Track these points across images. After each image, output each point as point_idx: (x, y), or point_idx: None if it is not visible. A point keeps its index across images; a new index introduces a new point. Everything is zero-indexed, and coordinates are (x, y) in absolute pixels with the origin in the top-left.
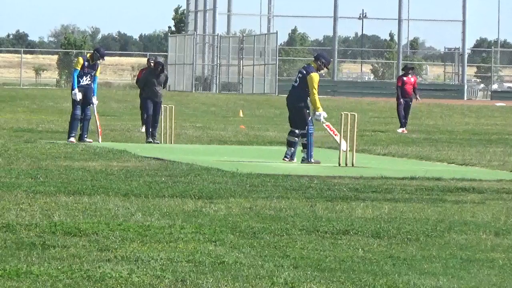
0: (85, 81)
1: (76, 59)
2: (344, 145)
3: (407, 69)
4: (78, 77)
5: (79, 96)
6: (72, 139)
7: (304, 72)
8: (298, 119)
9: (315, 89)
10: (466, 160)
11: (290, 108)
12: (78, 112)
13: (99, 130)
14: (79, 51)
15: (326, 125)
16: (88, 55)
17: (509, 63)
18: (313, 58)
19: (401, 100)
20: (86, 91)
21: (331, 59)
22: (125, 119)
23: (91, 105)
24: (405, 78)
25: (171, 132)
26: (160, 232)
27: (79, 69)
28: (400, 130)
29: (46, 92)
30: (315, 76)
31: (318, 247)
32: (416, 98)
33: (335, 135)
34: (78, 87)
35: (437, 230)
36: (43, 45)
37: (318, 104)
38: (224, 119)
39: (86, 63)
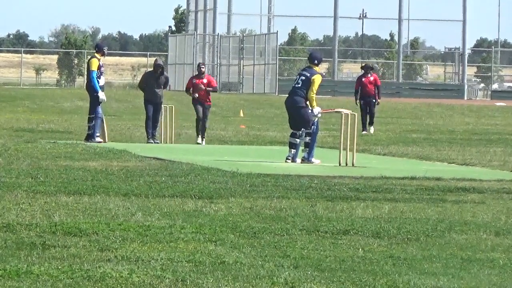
0: (102, 82)
1: (90, 60)
2: (344, 110)
3: (366, 69)
4: (97, 78)
5: (104, 96)
6: (98, 138)
7: (308, 74)
8: (300, 119)
9: (315, 89)
10: (466, 160)
11: (291, 109)
12: (101, 111)
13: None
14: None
15: (322, 113)
16: (98, 54)
17: (509, 63)
18: (311, 60)
19: (361, 101)
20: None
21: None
22: (125, 119)
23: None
24: (363, 79)
25: (171, 132)
26: (161, 232)
27: (96, 70)
28: (363, 132)
29: (46, 92)
30: (318, 78)
31: (319, 247)
32: (377, 101)
33: (333, 110)
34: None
35: (437, 230)
36: (43, 45)
37: (315, 103)
38: (224, 119)
39: (100, 63)
